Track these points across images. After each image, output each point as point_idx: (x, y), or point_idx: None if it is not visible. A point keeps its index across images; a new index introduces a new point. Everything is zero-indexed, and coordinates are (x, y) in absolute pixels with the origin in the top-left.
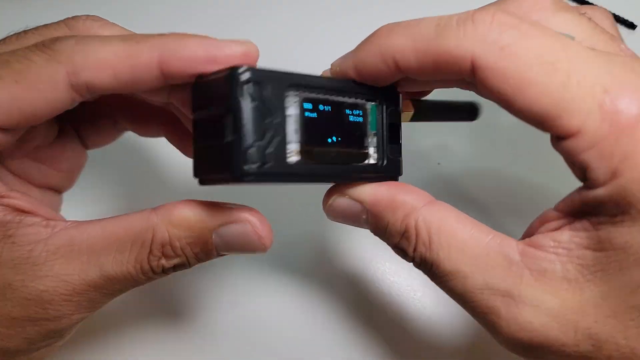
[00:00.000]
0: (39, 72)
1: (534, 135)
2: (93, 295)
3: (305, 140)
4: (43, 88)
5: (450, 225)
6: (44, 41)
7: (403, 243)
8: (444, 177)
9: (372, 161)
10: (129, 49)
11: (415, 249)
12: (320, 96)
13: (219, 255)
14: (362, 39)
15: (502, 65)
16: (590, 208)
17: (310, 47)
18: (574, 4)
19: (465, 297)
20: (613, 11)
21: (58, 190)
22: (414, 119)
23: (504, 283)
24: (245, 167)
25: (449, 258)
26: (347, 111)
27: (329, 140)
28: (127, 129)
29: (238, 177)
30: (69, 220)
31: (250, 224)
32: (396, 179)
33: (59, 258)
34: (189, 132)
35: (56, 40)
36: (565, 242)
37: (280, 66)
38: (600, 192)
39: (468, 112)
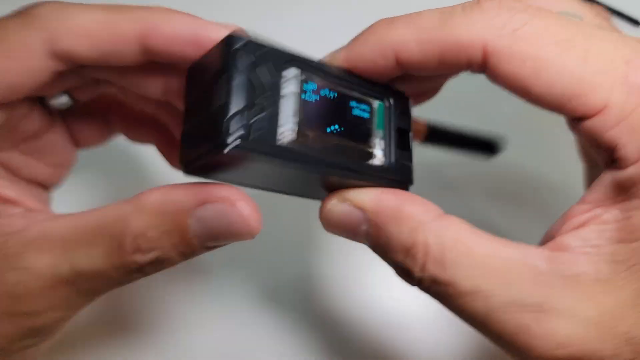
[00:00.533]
0: (14, 39)
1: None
2: (66, 292)
3: (302, 123)
4: (19, 56)
5: (467, 241)
6: (22, 8)
7: (408, 261)
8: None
9: (377, 162)
10: (110, 18)
11: (424, 268)
12: (325, 81)
13: (204, 248)
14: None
15: (517, 48)
16: (621, 192)
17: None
18: None
19: (489, 318)
20: (616, 7)
21: (45, 187)
22: (428, 140)
23: (533, 297)
24: (231, 132)
25: (467, 276)
26: (353, 103)
27: (329, 129)
28: (118, 132)
29: (222, 143)
30: (52, 213)
31: (229, 202)
32: (406, 188)
33: (32, 250)
34: (176, 141)
35: (34, 5)
36: (593, 239)
37: None
38: (633, 170)
39: (488, 147)
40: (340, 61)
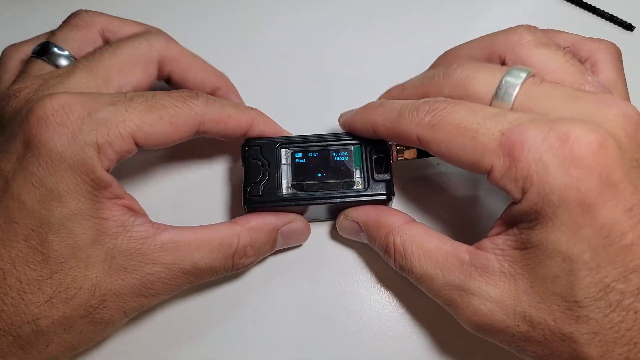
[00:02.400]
0: (184, 119)
1: None
2: (183, 280)
3: (296, 177)
4: (183, 129)
5: (419, 239)
6: (184, 95)
7: (386, 256)
8: (443, 177)
9: (358, 187)
10: (238, 115)
11: (394, 261)
12: (308, 147)
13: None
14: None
15: (435, 137)
16: (516, 218)
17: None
18: (571, 6)
19: (434, 294)
20: (611, 12)
21: None
22: (422, 156)
23: (458, 280)
24: (249, 197)
25: (419, 265)
26: (334, 153)
27: (319, 175)
28: None
29: (245, 204)
30: (165, 224)
31: (302, 222)
32: (389, 199)
33: (164, 251)
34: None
35: (193, 96)
36: (500, 244)
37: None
38: (518, 207)
39: None
40: (345, 123)
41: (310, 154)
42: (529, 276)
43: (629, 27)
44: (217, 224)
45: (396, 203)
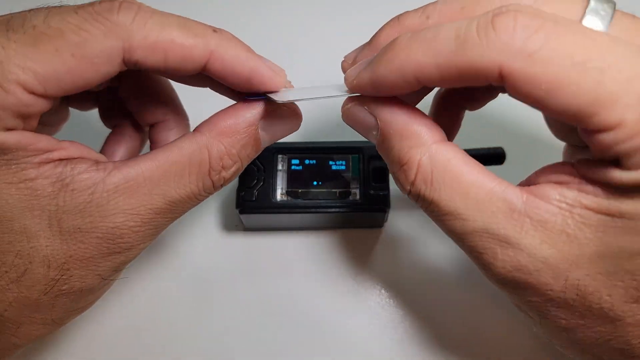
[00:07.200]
0: (96, 47)
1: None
2: (159, 221)
3: (291, 185)
4: (98, 62)
5: (457, 167)
6: (98, 9)
7: (400, 174)
8: None
9: (354, 197)
10: (187, 41)
11: (413, 184)
12: (306, 154)
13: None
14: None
15: (532, 72)
16: (609, 180)
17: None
18: None
19: (463, 238)
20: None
21: None
22: None
23: (503, 229)
24: (242, 201)
25: (450, 199)
26: (331, 162)
27: (315, 183)
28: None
29: (239, 210)
30: (115, 161)
31: (292, 106)
32: (384, 211)
33: (121, 195)
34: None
35: (113, 9)
36: (570, 199)
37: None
38: (630, 175)
39: (492, 158)
40: (365, 83)
41: (307, 161)
42: (601, 245)
43: None
44: (178, 139)
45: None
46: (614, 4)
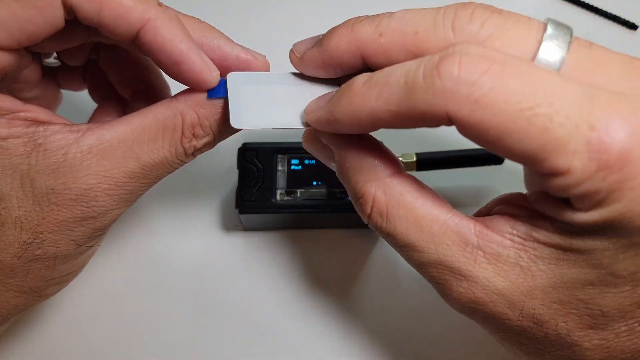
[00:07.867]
0: None
1: None
2: (133, 186)
3: (291, 185)
4: (41, 4)
5: (410, 201)
6: None
7: (357, 206)
8: None
9: None
10: (126, 1)
11: (370, 217)
12: (306, 154)
13: None
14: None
15: (479, 117)
16: (560, 217)
17: None
18: (573, 6)
19: (421, 268)
20: (613, 12)
21: None
22: (422, 168)
23: (457, 262)
24: (242, 201)
25: (406, 232)
26: None
27: (314, 183)
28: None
29: (239, 210)
30: (91, 124)
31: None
32: None
33: (94, 156)
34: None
35: None
36: (523, 233)
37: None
38: (579, 216)
39: (494, 158)
40: (323, 122)
41: (306, 161)
42: (554, 277)
43: (632, 26)
44: (153, 105)
45: None
46: (571, 30)
